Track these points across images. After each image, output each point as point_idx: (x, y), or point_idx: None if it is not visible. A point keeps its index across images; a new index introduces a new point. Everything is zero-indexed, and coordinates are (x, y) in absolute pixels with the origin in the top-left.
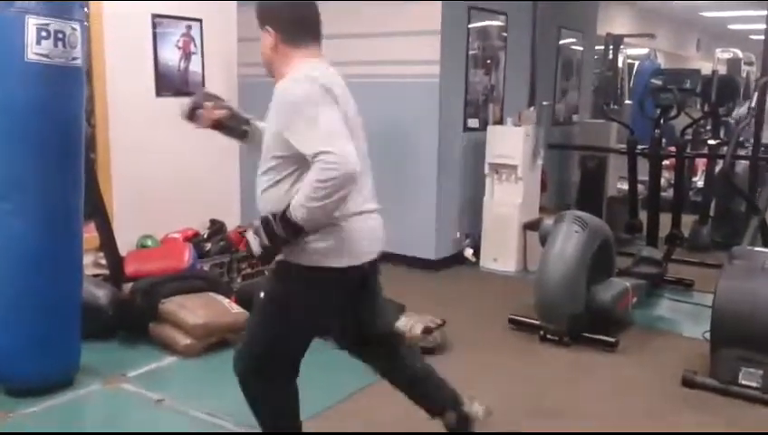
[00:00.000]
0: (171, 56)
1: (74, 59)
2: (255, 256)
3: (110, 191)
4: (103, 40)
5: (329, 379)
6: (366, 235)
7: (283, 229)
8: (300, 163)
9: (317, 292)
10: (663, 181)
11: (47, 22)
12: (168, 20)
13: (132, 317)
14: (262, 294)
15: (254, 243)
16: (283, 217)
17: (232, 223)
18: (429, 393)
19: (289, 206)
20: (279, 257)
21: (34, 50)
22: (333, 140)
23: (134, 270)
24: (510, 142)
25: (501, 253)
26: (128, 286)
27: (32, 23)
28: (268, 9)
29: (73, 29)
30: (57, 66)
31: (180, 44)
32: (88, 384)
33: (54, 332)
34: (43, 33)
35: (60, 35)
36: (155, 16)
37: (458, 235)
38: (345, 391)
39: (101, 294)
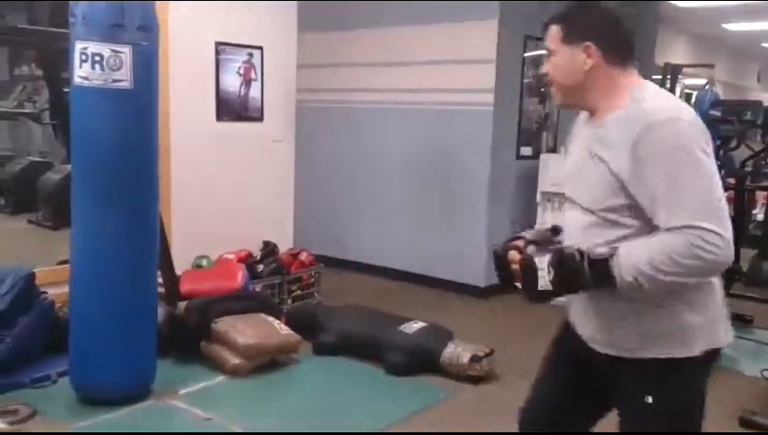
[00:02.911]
0: (232, 82)
1: (115, 81)
2: (531, 291)
3: (168, 212)
4: (168, 66)
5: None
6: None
7: (590, 275)
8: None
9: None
10: None
11: (86, 45)
12: (231, 47)
13: (186, 336)
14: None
15: (543, 275)
16: (603, 264)
17: (284, 245)
18: None
19: (616, 255)
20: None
21: (78, 72)
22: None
23: (189, 289)
24: (562, 171)
25: None
26: (182, 305)
27: (77, 47)
28: (591, 20)
29: (114, 51)
30: (96, 88)
31: (241, 71)
32: (140, 400)
33: (130, 346)
34: (83, 57)
35: (97, 58)
36: (218, 44)
37: None
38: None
39: (158, 312)
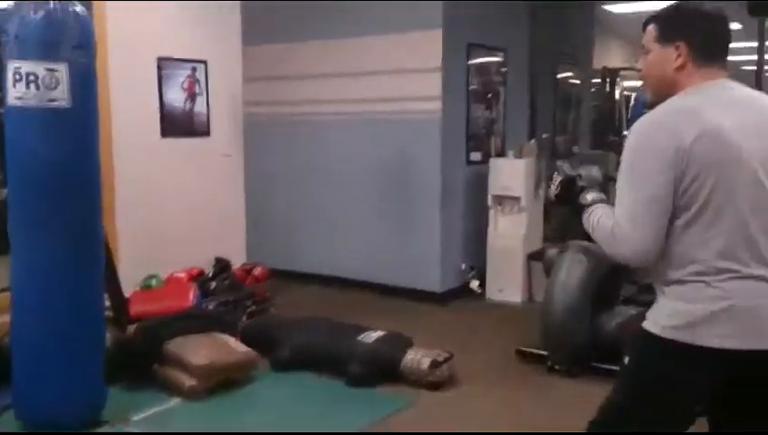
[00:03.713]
0: (176, 97)
1: (52, 100)
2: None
3: (114, 231)
4: (109, 83)
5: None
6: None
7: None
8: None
9: None
10: None
11: (19, 64)
12: (174, 62)
13: (137, 359)
14: None
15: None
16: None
17: (238, 261)
18: None
19: (591, 206)
20: None
21: (12, 93)
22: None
23: (139, 311)
24: (512, 175)
25: (506, 284)
26: (132, 328)
27: (11, 66)
28: (684, 20)
29: (49, 70)
30: (32, 108)
31: (186, 86)
32: (92, 427)
33: (76, 373)
34: (17, 76)
35: (32, 77)
36: (161, 59)
37: (463, 266)
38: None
39: (107, 336)
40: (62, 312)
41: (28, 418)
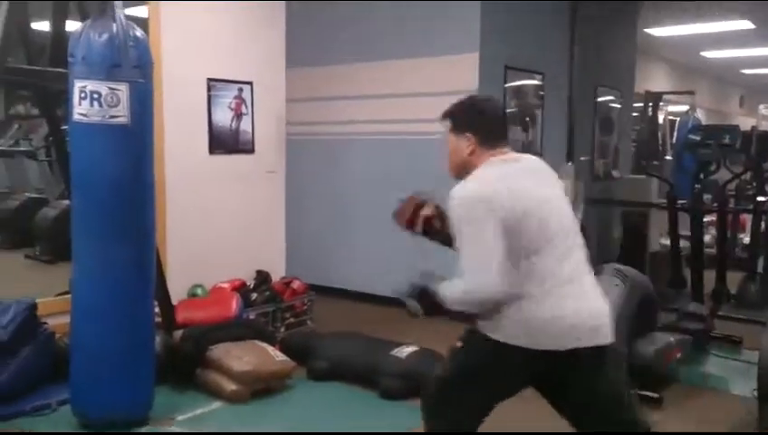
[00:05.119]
0: (224, 116)
1: (113, 117)
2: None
3: (164, 243)
4: (162, 102)
5: None
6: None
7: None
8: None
9: None
10: (709, 238)
11: (85, 84)
12: (222, 83)
13: (182, 363)
14: None
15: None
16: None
17: (277, 274)
18: None
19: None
20: None
21: (77, 110)
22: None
23: (185, 318)
24: None
25: None
26: (178, 333)
27: (77, 85)
28: (468, 115)
29: (112, 89)
30: (95, 124)
31: (233, 106)
32: (138, 426)
33: (129, 374)
34: (82, 94)
35: (95, 96)
36: (210, 80)
37: None
38: None
39: (156, 340)
40: (117, 316)
41: (83, 414)
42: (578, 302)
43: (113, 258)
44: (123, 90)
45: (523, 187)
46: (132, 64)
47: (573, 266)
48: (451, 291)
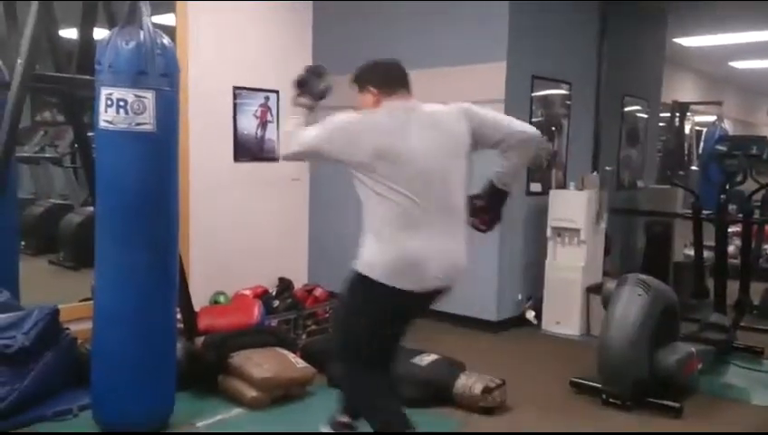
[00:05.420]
0: (249, 124)
1: (139, 124)
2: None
3: (187, 249)
4: (188, 110)
5: None
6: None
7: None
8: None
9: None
10: (733, 248)
11: (111, 91)
12: (248, 91)
13: (204, 370)
14: None
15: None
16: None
17: (299, 281)
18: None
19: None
20: None
21: (103, 117)
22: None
23: (207, 325)
24: (572, 206)
25: (564, 316)
26: (200, 340)
27: (103, 92)
28: (367, 73)
29: (138, 97)
30: (121, 131)
31: (258, 114)
32: (160, 432)
33: (150, 380)
34: (108, 102)
35: (121, 103)
36: (236, 88)
37: (520, 297)
38: None
39: (177, 347)
40: (139, 322)
41: (104, 419)
42: (427, 248)
43: (136, 265)
44: (149, 97)
45: (391, 133)
46: (159, 72)
47: (434, 215)
48: (295, 123)
